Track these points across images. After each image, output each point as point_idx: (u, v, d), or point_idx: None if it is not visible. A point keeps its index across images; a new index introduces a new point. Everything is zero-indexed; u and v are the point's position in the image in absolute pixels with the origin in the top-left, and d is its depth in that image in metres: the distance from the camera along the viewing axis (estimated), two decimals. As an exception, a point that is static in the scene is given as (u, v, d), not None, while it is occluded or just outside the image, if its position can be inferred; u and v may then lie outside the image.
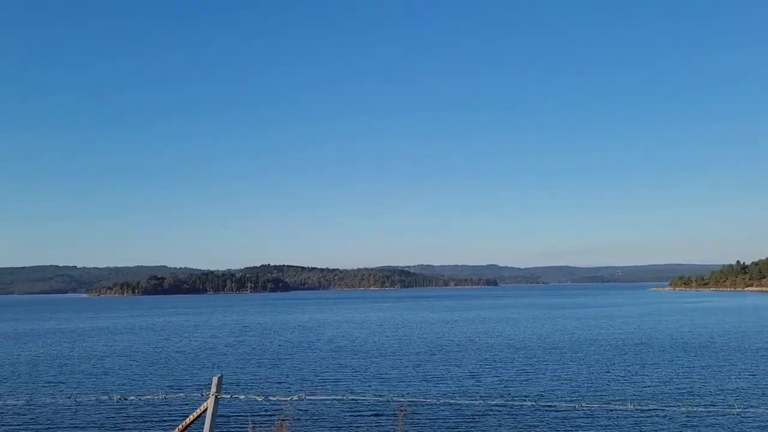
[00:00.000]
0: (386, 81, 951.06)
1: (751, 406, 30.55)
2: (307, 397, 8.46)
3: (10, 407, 30.80)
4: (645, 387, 36.54)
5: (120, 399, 8.78)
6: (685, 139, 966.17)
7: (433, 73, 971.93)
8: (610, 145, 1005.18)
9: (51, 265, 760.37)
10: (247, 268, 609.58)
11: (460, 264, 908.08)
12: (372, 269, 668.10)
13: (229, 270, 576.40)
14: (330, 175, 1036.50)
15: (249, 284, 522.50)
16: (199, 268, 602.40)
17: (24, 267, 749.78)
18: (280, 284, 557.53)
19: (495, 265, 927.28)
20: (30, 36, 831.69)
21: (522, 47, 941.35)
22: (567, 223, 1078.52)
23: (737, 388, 36.08)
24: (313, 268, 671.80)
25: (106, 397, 9.86)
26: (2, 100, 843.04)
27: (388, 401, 18.84)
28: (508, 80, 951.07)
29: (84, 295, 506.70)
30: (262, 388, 38.05)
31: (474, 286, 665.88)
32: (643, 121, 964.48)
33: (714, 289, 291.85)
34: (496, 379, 40.28)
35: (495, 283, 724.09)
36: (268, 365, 48.94)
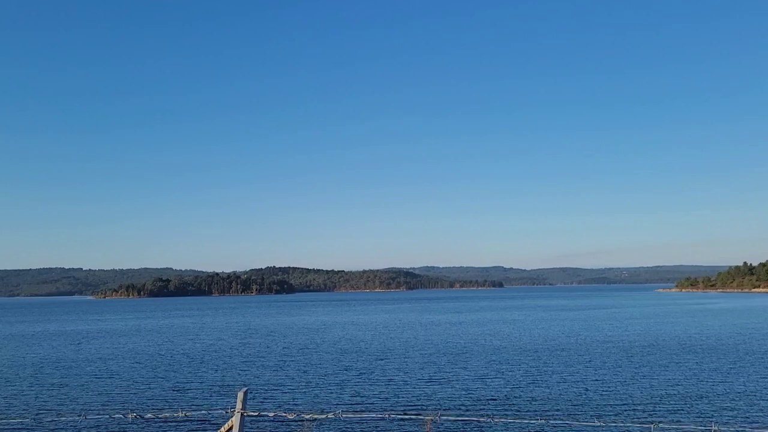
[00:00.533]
0: (390, 84, 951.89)
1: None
2: (344, 415, 7.74)
3: (16, 426, 30.34)
4: (655, 391, 36.20)
5: (135, 417, 7.69)
6: (690, 141, 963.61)
7: (438, 76, 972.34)
8: (615, 147, 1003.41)
9: (57, 267, 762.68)
10: (252, 269, 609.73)
11: (465, 265, 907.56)
12: (377, 271, 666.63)
13: (234, 272, 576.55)
14: (334, 177, 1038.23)
15: (254, 286, 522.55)
16: (204, 270, 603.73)
17: (30, 269, 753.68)
18: (286, 286, 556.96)
19: (500, 266, 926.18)
20: (36, 39, 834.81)
21: (529, 50, 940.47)
22: (572, 224, 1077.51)
23: (745, 391, 35.71)
24: (318, 270, 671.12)
25: (119, 415, 8.73)
26: (6, 103, 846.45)
27: (420, 416, 18.18)
28: (512, 83, 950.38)
29: (90, 297, 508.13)
30: (274, 397, 37.88)
31: (479, 288, 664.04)
32: (648, 124, 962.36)
33: (721, 290, 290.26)
34: (503, 382, 39.99)
35: (501, 285, 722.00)
36: (272, 369, 48.73)
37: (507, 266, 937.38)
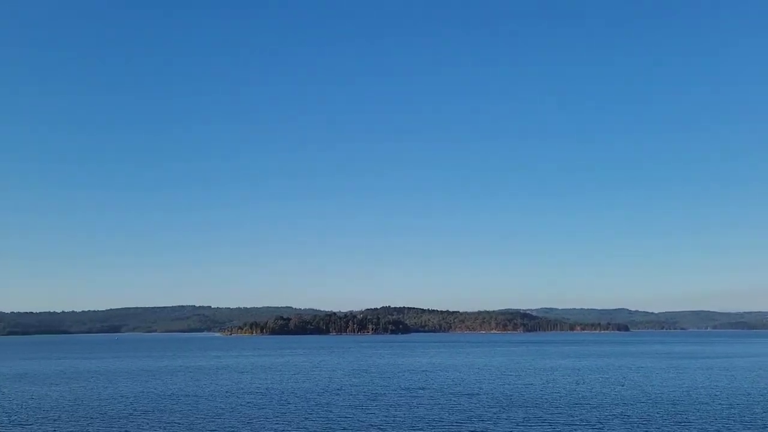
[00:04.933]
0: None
1: None
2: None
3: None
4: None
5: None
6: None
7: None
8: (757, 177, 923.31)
9: (189, 305, 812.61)
10: (367, 309, 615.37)
11: (586, 307, 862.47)
12: (493, 312, 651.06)
13: (350, 311, 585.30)
14: (450, 219, 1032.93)
15: (370, 326, 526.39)
16: (322, 309, 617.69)
17: (165, 307, 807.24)
18: (401, 326, 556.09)
19: (625, 308, 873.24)
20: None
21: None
22: (706, 262, 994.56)
23: None
24: (432, 311, 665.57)
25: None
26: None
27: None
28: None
29: (217, 334, 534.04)
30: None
31: (602, 331, 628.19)
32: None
33: None
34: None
35: (626, 328, 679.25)
36: (382, 412, 46.91)
37: (632, 308, 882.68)
